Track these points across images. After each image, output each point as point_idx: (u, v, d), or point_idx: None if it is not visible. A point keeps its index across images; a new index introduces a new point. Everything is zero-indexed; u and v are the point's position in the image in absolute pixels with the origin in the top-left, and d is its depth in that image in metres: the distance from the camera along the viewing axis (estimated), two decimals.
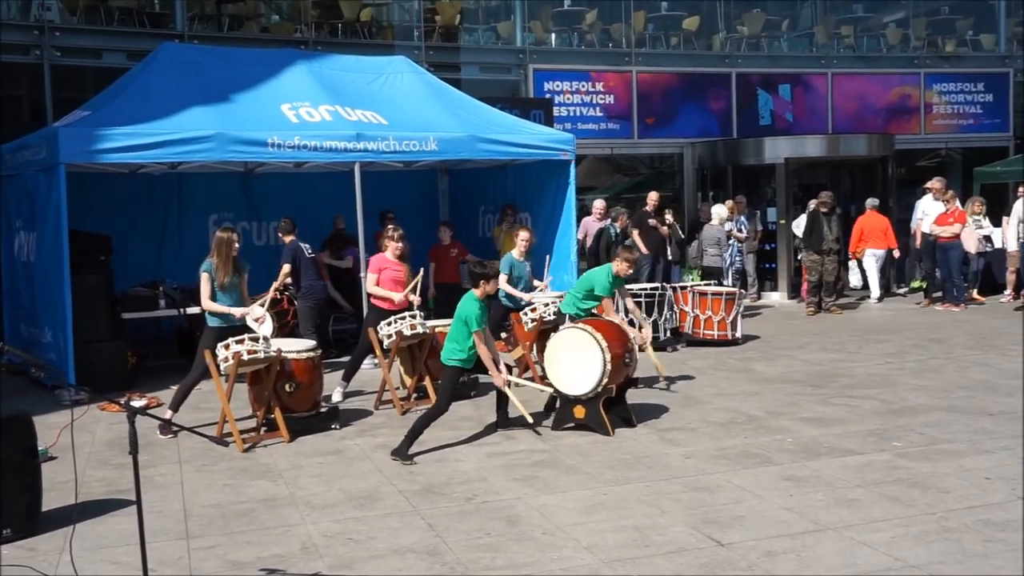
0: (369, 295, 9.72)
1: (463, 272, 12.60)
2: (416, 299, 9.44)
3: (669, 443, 7.67)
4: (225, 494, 6.69)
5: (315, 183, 13.66)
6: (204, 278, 8.22)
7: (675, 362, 11.30)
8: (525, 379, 9.21)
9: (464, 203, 15.09)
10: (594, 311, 9.08)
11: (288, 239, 11.22)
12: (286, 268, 11.04)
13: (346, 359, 10.18)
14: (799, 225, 16.05)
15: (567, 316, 8.99)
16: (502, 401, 8.27)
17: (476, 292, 7.72)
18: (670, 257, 14.79)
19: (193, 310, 10.98)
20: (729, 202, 15.50)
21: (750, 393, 9.48)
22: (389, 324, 9.12)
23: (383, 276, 9.50)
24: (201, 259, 8.39)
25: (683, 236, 15.59)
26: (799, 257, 16.51)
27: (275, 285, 10.97)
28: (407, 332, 9.07)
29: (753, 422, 8.27)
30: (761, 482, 6.55)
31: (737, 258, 15.15)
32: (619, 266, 8.96)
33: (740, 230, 15.09)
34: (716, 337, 12.43)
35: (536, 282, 10.69)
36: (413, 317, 9.16)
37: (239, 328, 8.21)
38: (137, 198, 12.99)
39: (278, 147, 10.67)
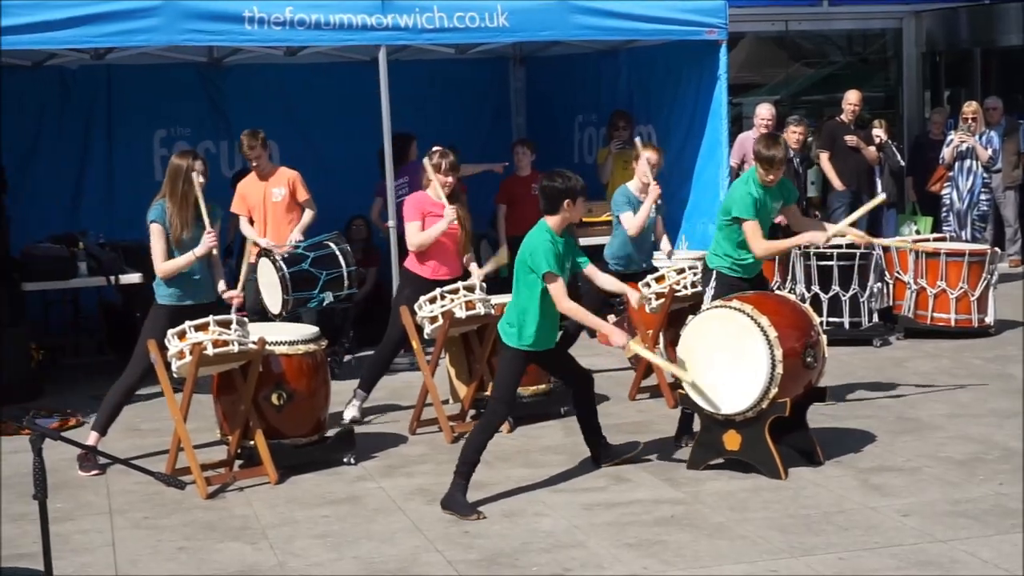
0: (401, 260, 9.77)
1: None
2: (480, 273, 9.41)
3: (876, 491, 7.63)
4: (180, 563, 6.78)
5: (318, 80, 13.79)
6: (155, 231, 8.26)
7: (887, 363, 11.21)
8: (657, 355, 9.22)
9: (552, 110, 15.10)
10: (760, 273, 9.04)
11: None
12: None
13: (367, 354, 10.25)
14: None
15: (714, 276, 8.86)
16: (686, 422, 8.46)
17: (550, 221, 7.58)
18: (881, 196, 14.56)
19: (130, 279, 11.13)
20: (972, 104, 15.21)
21: (1007, 413, 9.39)
22: (433, 301, 9.17)
23: (427, 226, 9.51)
24: (142, 200, 8.47)
25: (902, 163, 15.38)
26: None
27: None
28: (460, 314, 9.11)
29: (1012, 459, 8.19)
30: None
31: (983, 197, 14.84)
32: (759, 171, 8.69)
33: (986, 149, 14.80)
34: (953, 324, 12.28)
35: (665, 244, 10.60)
36: (470, 290, 9.20)
37: (204, 306, 8.29)
38: (44, 105, 13.23)
39: (260, 24, 10.72)
